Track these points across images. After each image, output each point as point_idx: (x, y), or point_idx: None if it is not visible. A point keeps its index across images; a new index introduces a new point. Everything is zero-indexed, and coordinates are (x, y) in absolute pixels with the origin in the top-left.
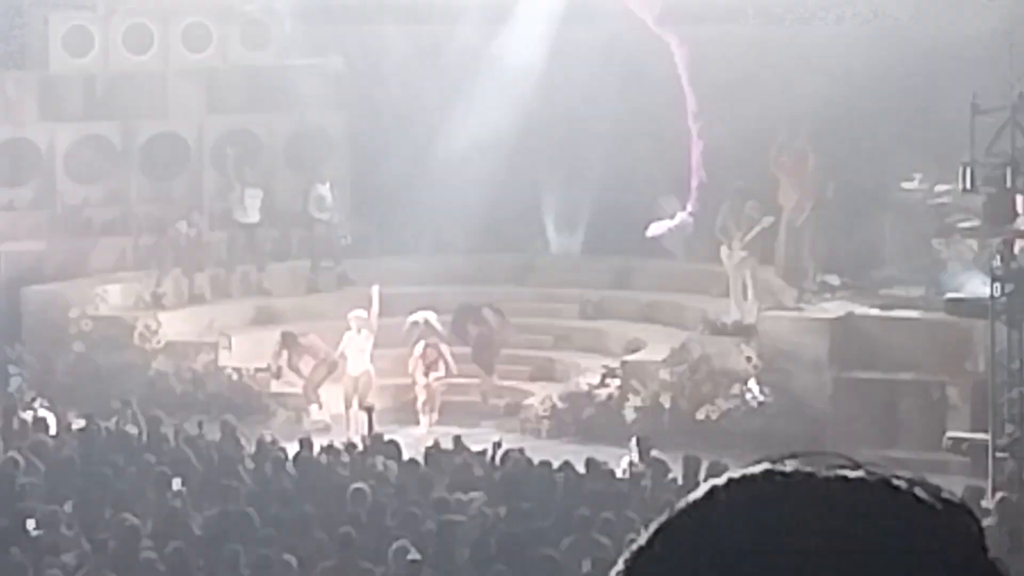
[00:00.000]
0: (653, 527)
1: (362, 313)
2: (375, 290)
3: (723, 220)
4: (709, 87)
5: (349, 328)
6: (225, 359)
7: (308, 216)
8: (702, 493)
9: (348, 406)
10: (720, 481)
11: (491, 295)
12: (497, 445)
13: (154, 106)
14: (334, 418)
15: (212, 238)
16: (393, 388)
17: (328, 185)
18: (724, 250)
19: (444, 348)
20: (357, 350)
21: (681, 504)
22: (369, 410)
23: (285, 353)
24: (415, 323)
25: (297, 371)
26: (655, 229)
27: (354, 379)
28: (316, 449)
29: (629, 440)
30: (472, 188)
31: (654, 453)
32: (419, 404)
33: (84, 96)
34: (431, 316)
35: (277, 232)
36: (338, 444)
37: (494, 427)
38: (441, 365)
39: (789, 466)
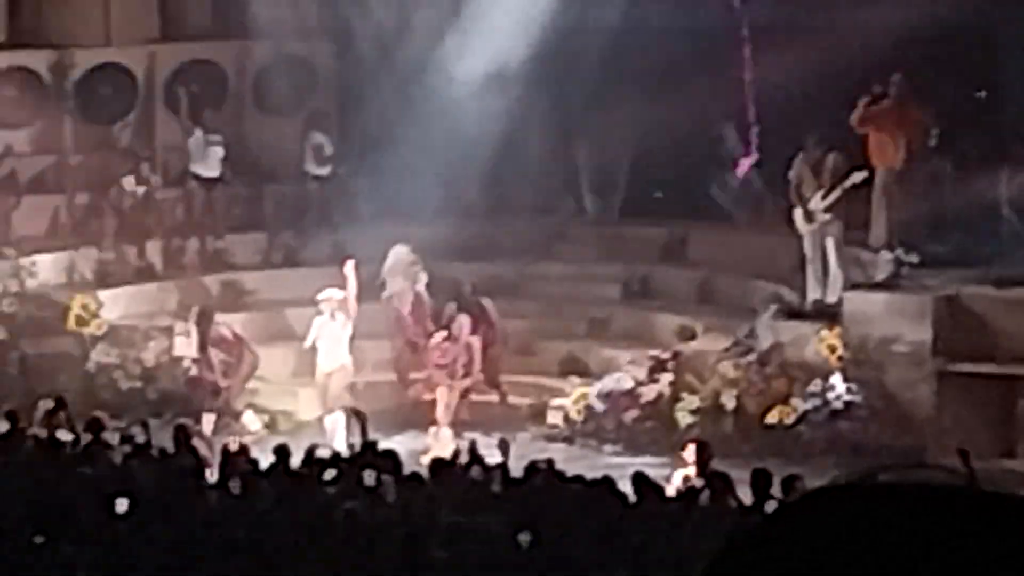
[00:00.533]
0: (714, 556)
1: (335, 293)
2: (350, 267)
3: (798, 175)
4: (778, 3)
5: (320, 313)
6: (182, 348)
7: (302, 172)
8: (771, 514)
9: (326, 410)
10: (794, 500)
11: (510, 271)
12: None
13: (93, 31)
14: (307, 424)
15: (167, 197)
16: (386, 386)
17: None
18: (799, 212)
19: (474, 341)
20: (331, 340)
21: (747, 527)
22: (360, 415)
23: (195, 337)
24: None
25: (209, 366)
26: (743, 167)
27: (327, 376)
28: (295, 461)
29: (684, 450)
30: (485, 135)
31: (715, 466)
32: (439, 413)
33: (6, 18)
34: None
35: (248, 190)
36: (320, 454)
37: (515, 433)
38: (461, 366)
39: (881, 481)
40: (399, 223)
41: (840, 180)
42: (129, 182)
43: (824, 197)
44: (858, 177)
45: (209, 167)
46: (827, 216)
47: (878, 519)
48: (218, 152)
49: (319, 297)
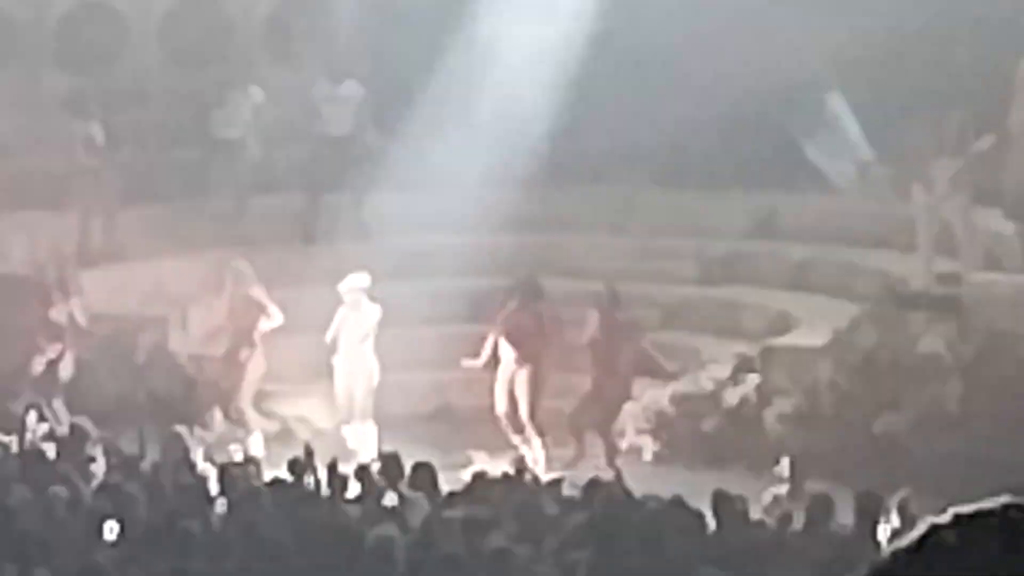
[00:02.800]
0: None
1: (360, 280)
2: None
3: (917, 138)
4: None
5: (342, 302)
6: (178, 342)
7: (311, 129)
8: (918, 537)
9: (348, 418)
10: (943, 520)
11: (568, 246)
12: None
13: None
14: (315, 434)
15: (160, 161)
16: (421, 388)
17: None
18: (919, 185)
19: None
20: (355, 336)
21: (887, 556)
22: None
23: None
24: None
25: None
26: None
27: (348, 377)
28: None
29: (775, 464)
30: (540, 88)
31: (812, 484)
32: (524, 433)
33: None
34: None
35: (259, 152)
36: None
37: (574, 444)
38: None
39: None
40: (439, 192)
41: (967, 144)
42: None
43: (949, 164)
44: (985, 143)
45: (231, 126)
46: (950, 186)
47: (1011, 554)
48: (244, 110)
49: (341, 287)
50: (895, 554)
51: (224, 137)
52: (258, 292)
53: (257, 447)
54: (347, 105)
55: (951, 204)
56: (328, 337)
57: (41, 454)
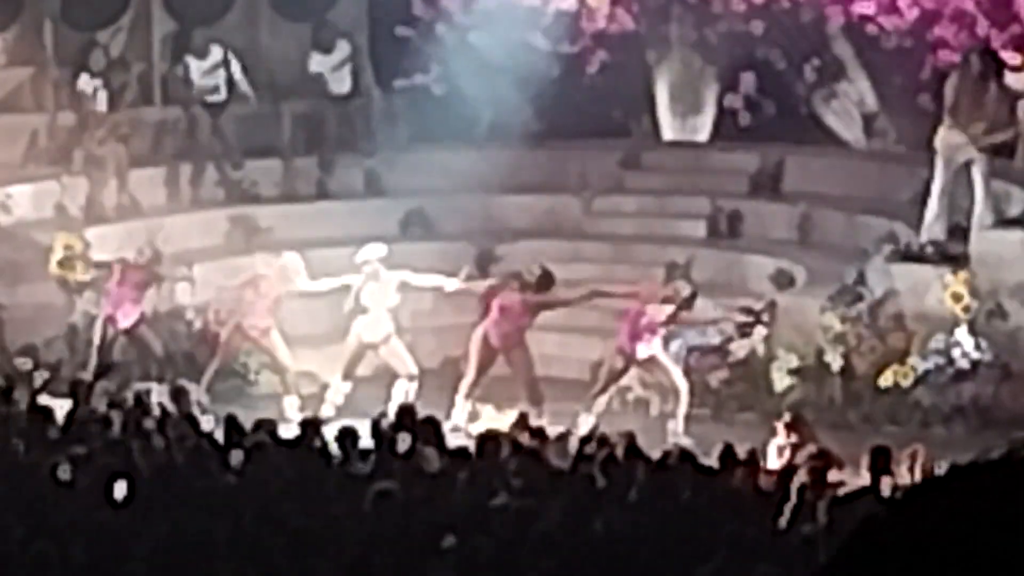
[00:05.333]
0: (846, 541)
1: (378, 250)
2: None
3: (955, 92)
4: None
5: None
6: (184, 297)
7: (317, 85)
8: (912, 491)
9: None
10: (939, 474)
11: (572, 206)
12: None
13: None
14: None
15: (167, 116)
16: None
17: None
18: (944, 132)
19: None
20: (377, 304)
21: (880, 509)
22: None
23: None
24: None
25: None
26: None
27: (364, 346)
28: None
29: (781, 418)
30: (542, 42)
31: (818, 438)
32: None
33: None
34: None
35: (266, 107)
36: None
37: (580, 400)
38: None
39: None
40: (440, 149)
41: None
42: (84, 80)
43: (987, 132)
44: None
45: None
46: (976, 147)
47: (998, 508)
48: (222, 72)
49: (359, 259)
50: (888, 507)
51: (211, 99)
52: (303, 281)
53: (264, 401)
54: (345, 64)
55: (974, 161)
56: (346, 307)
57: (45, 412)
